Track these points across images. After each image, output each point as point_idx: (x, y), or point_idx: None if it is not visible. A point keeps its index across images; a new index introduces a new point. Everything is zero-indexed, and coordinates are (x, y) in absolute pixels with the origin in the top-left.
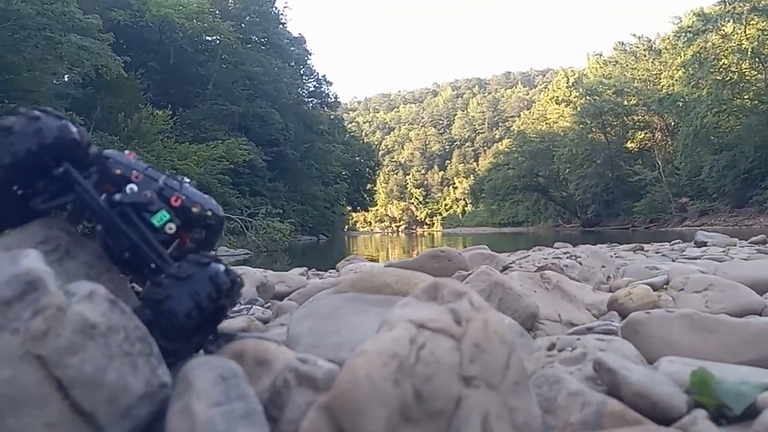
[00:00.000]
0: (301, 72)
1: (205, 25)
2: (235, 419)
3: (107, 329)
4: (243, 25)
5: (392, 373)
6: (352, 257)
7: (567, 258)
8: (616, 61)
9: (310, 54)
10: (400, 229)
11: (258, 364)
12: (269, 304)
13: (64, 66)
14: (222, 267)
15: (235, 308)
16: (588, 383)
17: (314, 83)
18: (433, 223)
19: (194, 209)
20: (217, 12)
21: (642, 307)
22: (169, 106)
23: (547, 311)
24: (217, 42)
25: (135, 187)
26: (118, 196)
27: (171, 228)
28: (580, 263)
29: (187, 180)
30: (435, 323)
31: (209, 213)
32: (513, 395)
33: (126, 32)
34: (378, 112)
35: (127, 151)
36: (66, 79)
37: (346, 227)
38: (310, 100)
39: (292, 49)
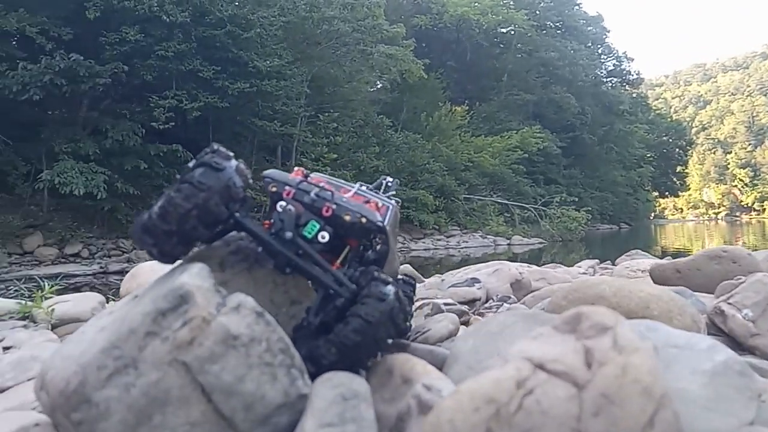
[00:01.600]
0: (599, 51)
1: (500, 17)
2: None
3: (249, 340)
4: (537, 11)
5: (484, 420)
6: (633, 252)
7: None
8: None
9: (608, 31)
10: (719, 216)
11: (404, 382)
12: (522, 302)
13: (375, 74)
14: (394, 297)
15: (486, 305)
16: None
17: (613, 61)
18: (764, 209)
19: (347, 217)
20: (510, 2)
21: None
22: (466, 101)
23: None
24: (512, 33)
25: (284, 204)
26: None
27: (324, 237)
28: None
29: (390, 180)
30: (556, 364)
31: (363, 220)
32: None
33: (426, 35)
34: (690, 85)
35: (296, 169)
36: (379, 86)
37: (652, 215)
38: (608, 79)
39: (588, 29)
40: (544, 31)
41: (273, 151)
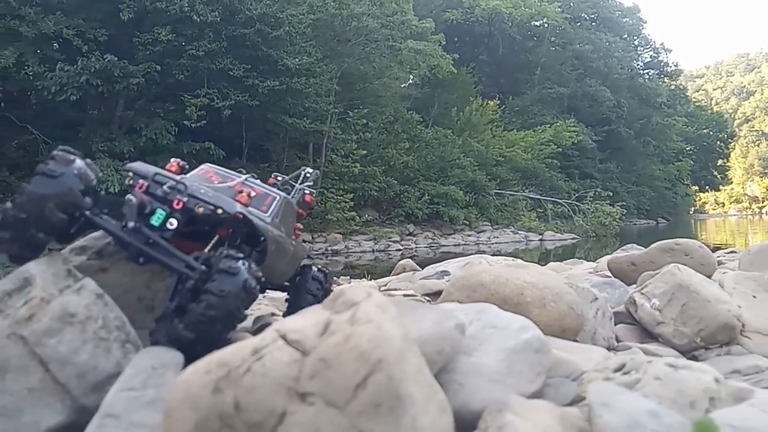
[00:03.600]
0: (635, 43)
1: (532, 10)
2: (138, 404)
3: (86, 318)
4: (570, 4)
5: (215, 381)
6: (629, 246)
7: None
8: None
9: (645, 22)
10: (763, 211)
11: None
12: None
13: (404, 70)
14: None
15: None
16: None
17: (650, 53)
18: None
19: (199, 209)
20: None
21: None
22: (499, 95)
23: (761, 323)
24: (545, 26)
25: (132, 197)
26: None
27: (172, 223)
28: None
29: (310, 171)
30: (294, 334)
31: (219, 211)
32: (367, 418)
33: (458, 30)
34: (732, 76)
35: (172, 160)
36: (410, 82)
37: (692, 209)
38: (645, 71)
39: (624, 20)
40: (578, 24)
41: (304, 147)
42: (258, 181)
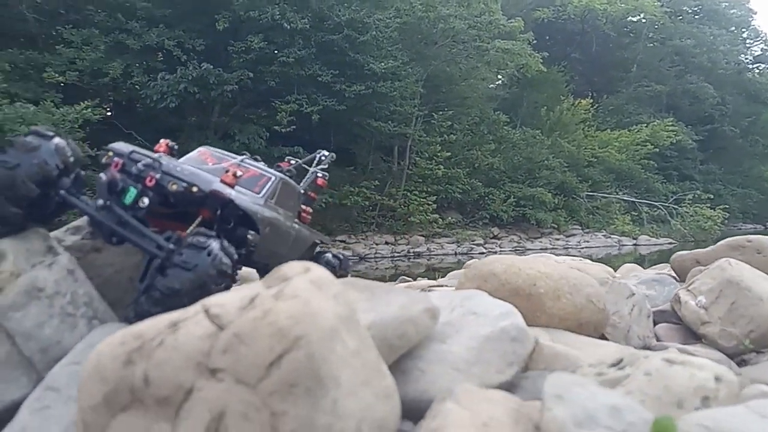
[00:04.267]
0: (744, 36)
1: (629, 6)
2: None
3: (54, 293)
4: None
5: (127, 353)
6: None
7: None
8: None
9: (755, 13)
10: None
11: None
12: None
13: (491, 70)
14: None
15: None
16: None
17: (761, 46)
18: None
19: (172, 186)
20: None
21: None
22: (592, 94)
23: None
24: (642, 21)
25: (102, 175)
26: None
27: (144, 202)
28: None
29: (326, 154)
30: (216, 308)
31: (194, 189)
32: (281, 398)
33: (549, 28)
34: None
35: (161, 141)
36: (498, 82)
37: None
38: (755, 66)
39: (731, 12)
40: (680, 17)
41: (389, 150)
42: (256, 163)
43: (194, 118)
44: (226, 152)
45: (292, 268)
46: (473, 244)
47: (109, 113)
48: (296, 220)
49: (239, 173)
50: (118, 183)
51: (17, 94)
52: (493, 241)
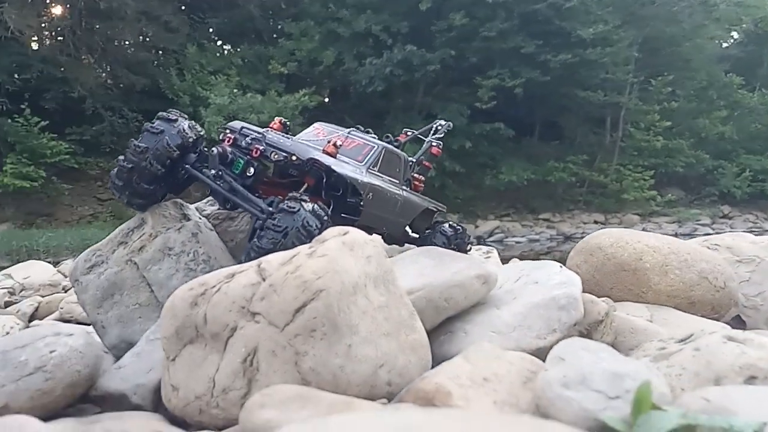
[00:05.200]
0: None
1: None
2: None
3: (180, 251)
4: None
5: (194, 297)
6: None
7: None
8: None
9: None
10: None
11: None
12: None
13: (722, 27)
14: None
15: None
16: None
17: None
18: None
19: (274, 156)
20: None
21: None
22: None
23: None
24: None
25: (214, 149)
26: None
27: (250, 171)
28: None
29: (442, 123)
30: (265, 264)
31: (294, 158)
32: (304, 340)
33: None
34: None
35: (276, 118)
36: (732, 41)
37: None
38: None
39: None
40: None
41: (600, 122)
42: (361, 134)
43: (400, 100)
44: (337, 126)
45: (331, 231)
46: (698, 224)
47: (326, 99)
48: (405, 187)
49: (339, 143)
50: (228, 155)
51: (248, 86)
52: (722, 221)
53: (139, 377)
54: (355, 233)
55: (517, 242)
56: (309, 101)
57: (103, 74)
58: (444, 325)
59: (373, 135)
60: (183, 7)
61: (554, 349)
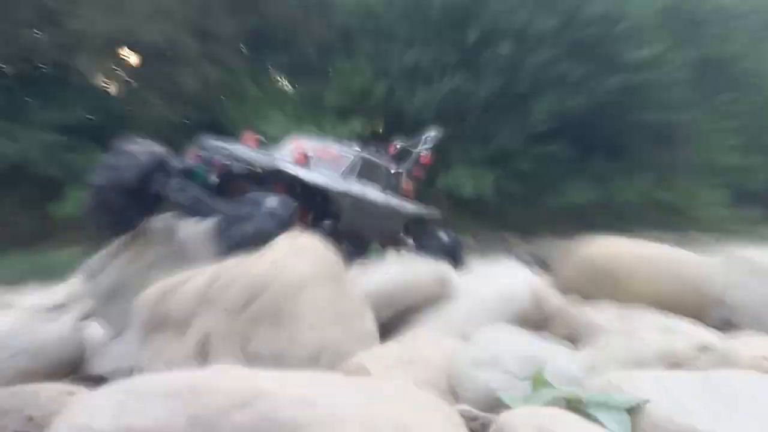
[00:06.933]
0: None
1: None
2: None
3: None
4: None
5: (163, 291)
6: None
7: None
8: None
9: None
10: None
11: None
12: None
13: None
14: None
15: None
16: None
17: None
18: None
19: (237, 169)
20: None
21: None
22: None
23: None
24: None
25: (175, 164)
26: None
27: (215, 179)
28: None
29: (432, 134)
30: (224, 264)
31: (258, 169)
32: (252, 327)
33: None
34: None
35: (247, 133)
36: None
37: None
38: None
39: None
40: None
41: (668, 139)
42: (337, 144)
43: (454, 126)
44: (316, 138)
45: (283, 236)
46: None
47: (380, 130)
48: (391, 194)
49: (311, 153)
50: (191, 169)
51: (303, 118)
52: None
53: (118, 361)
54: (306, 239)
55: None
56: (362, 131)
57: (167, 113)
58: (403, 317)
59: (355, 146)
60: (243, 50)
61: (476, 333)
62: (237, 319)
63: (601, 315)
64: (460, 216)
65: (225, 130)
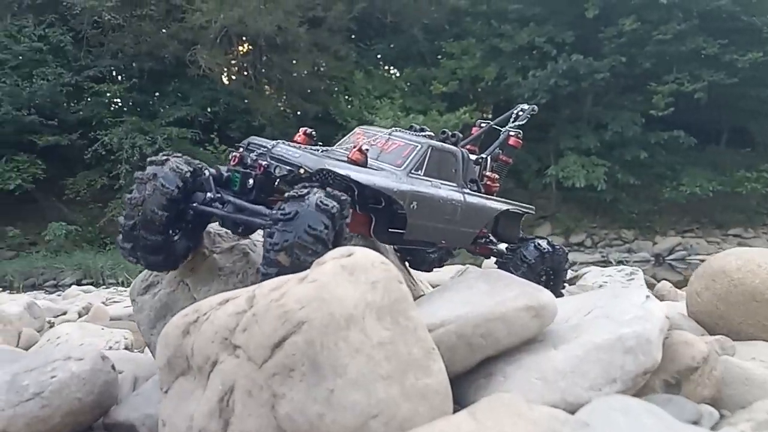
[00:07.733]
0: None
1: None
2: None
3: (230, 272)
4: None
5: (187, 324)
6: None
7: None
8: None
9: None
10: None
11: None
12: None
13: None
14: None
15: None
16: None
17: None
18: None
19: (278, 171)
20: None
21: None
22: None
23: None
24: None
25: (206, 171)
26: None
27: (250, 182)
28: None
29: (524, 108)
30: (259, 289)
31: (302, 170)
32: (281, 381)
33: None
34: None
35: (301, 129)
36: None
37: None
38: None
39: None
40: None
41: None
42: (403, 133)
43: (567, 111)
44: (379, 129)
45: (332, 252)
46: None
47: (489, 116)
48: (470, 189)
49: (367, 148)
50: (223, 174)
51: (411, 107)
52: None
53: (149, 407)
54: (362, 254)
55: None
56: (470, 118)
57: (280, 104)
58: (484, 367)
59: (430, 133)
60: (352, 36)
61: (581, 410)
62: (264, 368)
63: (757, 364)
64: (569, 210)
65: (334, 120)
